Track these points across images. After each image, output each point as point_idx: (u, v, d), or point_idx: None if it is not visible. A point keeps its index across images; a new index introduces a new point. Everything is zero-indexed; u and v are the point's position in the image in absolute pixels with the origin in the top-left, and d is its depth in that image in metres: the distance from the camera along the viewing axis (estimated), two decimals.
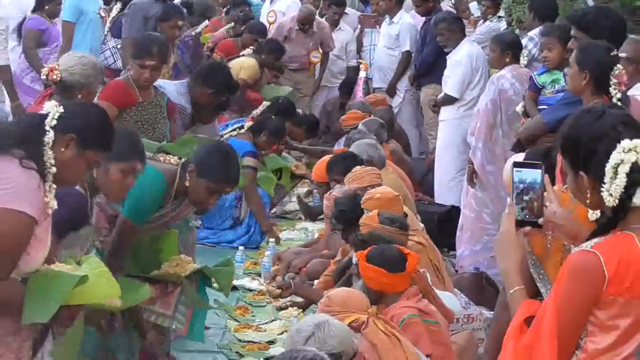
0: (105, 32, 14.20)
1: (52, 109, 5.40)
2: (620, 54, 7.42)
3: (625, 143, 4.18)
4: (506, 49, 10.50)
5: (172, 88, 10.23)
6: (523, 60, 10.59)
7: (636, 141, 4.19)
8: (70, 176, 5.46)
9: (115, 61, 13.90)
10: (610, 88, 7.14)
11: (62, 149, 5.32)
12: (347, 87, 16.39)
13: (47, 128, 5.30)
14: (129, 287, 6.24)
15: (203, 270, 7.23)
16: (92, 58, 9.47)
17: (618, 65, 7.38)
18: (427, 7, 14.89)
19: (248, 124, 12.87)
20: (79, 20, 13.87)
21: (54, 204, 5.29)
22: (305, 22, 16.50)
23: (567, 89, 8.23)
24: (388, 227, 8.39)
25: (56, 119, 5.34)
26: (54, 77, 8.94)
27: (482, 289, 9.35)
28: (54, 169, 5.25)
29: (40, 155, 5.23)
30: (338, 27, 17.39)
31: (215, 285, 7.52)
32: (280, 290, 9.74)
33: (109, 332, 7.04)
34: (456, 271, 10.20)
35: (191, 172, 7.28)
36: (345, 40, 17.38)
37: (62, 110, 5.40)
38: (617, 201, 4.18)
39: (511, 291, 4.49)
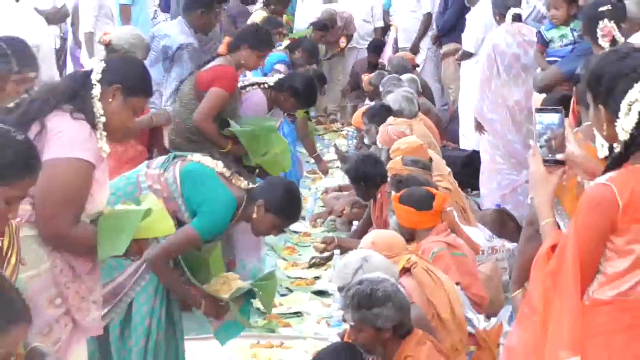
0: (155, 7, 14.14)
1: (96, 64, 5.41)
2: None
3: None
4: (503, 12, 10.39)
5: (177, 30, 9.95)
6: (530, 18, 10.57)
7: None
8: (119, 123, 5.42)
9: None
10: (598, 40, 7.15)
11: (110, 100, 5.32)
12: (376, 47, 16.31)
13: (93, 82, 5.31)
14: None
15: (250, 286, 6.83)
16: (141, 33, 9.32)
17: (604, 20, 7.39)
18: None
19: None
20: (134, 2, 13.74)
21: (107, 148, 5.32)
22: (329, 23, 16.10)
23: (586, 45, 8.24)
24: (411, 168, 8.43)
25: (100, 73, 5.33)
26: (105, 40, 8.94)
27: (503, 223, 9.36)
28: (103, 119, 5.27)
29: (90, 107, 5.25)
30: None
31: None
32: (324, 244, 9.68)
33: None
34: (480, 209, 10.19)
35: (259, 207, 6.86)
36: (371, 4, 17.26)
37: (105, 65, 5.40)
38: (628, 135, 4.17)
39: (542, 223, 4.49)
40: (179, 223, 6.63)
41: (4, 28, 8.77)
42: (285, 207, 6.95)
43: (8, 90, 6.40)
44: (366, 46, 16.87)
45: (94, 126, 5.23)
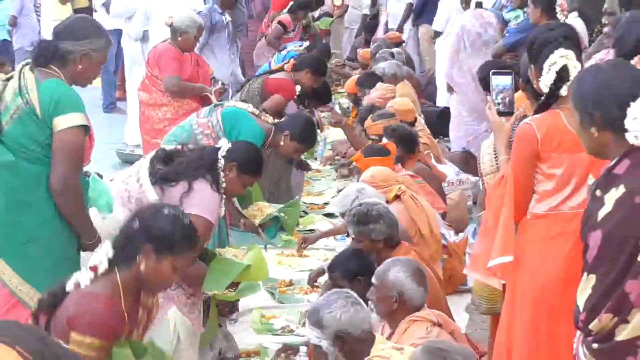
0: None
1: (224, 144, 5.46)
2: None
3: (561, 51, 4.22)
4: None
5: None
6: (495, 7, 10.59)
7: (568, 51, 4.22)
8: (233, 191, 5.49)
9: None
10: (557, 14, 7.20)
11: (227, 172, 5.33)
12: (371, 27, 16.27)
13: (219, 157, 5.33)
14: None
15: (278, 212, 6.63)
16: (197, 17, 9.15)
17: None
18: None
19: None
20: None
21: (223, 211, 5.42)
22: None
23: (527, 22, 8.29)
24: (380, 121, 8.39)
25: (225, 151, 5.37)
26: (169, 21, 8.84)
27: (468, 162, 9.35)
28: (224, 185, 5.30)
29: (218, 176, 5.27)
30: None
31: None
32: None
33: None
34: (449, 150, 10.25)
35: (285, 136, 6.94)
36: None
37: (229, 146, 5.43)
38: (548, 89, 4.22)
39: (500, 158, 4.52)
40: None
41: None
42: (306, 135, 7.04)
43: None
44: (357, 27, 16.83)
45: (219, 192, 5.29)
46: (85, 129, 4.64)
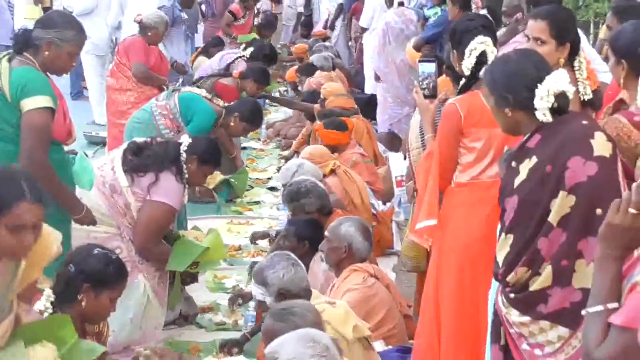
0: None
1: (185, 139, 5.48)
2: None
3: (480, 38, 4.26)
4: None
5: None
6: (415, 6, 10.61)
7: (487, 38, 4.27)
8: (195, 182, 5.56)
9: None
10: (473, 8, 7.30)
11: (189, 165, 5.36)
12: (308, 24, 16.29)
13: (181, 151, 5.36)
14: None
15: (229, 179, 6.95)
16: (164, 14, 9.26)
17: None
18: None
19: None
20: None
21: (186, 199, 5.48)
22: None
23: (441, 18, 8.38)
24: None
25: (186, 146, 5.39)
26: (138, 19, 8.89)
27: (392, 140, 9.45)
28: (186, 176, 5.34)
29: (182, 168, 5.31)
30: None
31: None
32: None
33: None
34: (376, 132, 10.28)
35: (235, 117, 7.10)
36: None
37: (190, 140, 5.45)
38: (469, 72, 4.26)
39: (427, 136, 4.58)
40: (178, 130, 6.85)
41: None
42: (253, 117, 7.19)
43: None
44: (292, 24, 16.70)
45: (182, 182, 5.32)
46: (51, 110, 4.54)
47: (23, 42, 4.60)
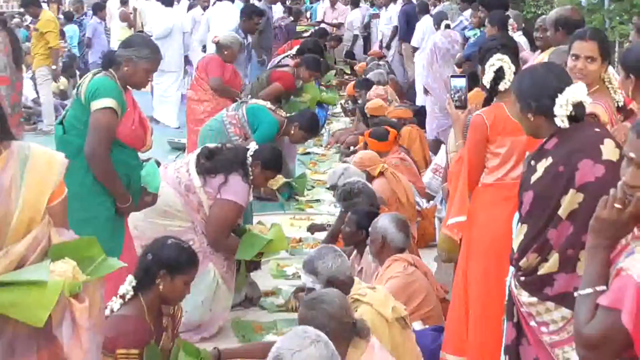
0: None
1: (252, 146, 5.56)
2: None
3: (498, 55, 4.28)
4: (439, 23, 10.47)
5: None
6: (457, 28, 10.58)
7: (504, 56, 4.28)
8: (257, 184, 5.63)
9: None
10: (509, 32, 7.25)
11: (254, 168, 5.45)
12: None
13: (248, 156, 5.45)
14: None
15: (290, 182, 6.91)
16: (238, 36, 9.25)
17: (510, 20, 7.45)
18: None
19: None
20: None
21: (251, 198, 5.60)
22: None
23: (480, 38, 8.35)
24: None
25: (252, 152, 5.48)
26: (215, 40, 8.93)
27: (438, 147, 9.37)
28: (251, 178, 5.44)
29: (248, 171, 5.40)
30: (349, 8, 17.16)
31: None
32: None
33: None
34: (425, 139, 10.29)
35: (295, 127, 7.12)
36: (351, 19, 17.02)
37: (256, 147, 5.54)
38: (489, 85, 4.30)
39: (457, 143, 4.61)
40: (246, 138, 6.91)
41: None
42: (311, 126, 7.21)
43: None
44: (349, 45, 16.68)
45: (249, 185, 5.42)
46: (114, 111, 4.63)
47: (108, 60, 4.76)
